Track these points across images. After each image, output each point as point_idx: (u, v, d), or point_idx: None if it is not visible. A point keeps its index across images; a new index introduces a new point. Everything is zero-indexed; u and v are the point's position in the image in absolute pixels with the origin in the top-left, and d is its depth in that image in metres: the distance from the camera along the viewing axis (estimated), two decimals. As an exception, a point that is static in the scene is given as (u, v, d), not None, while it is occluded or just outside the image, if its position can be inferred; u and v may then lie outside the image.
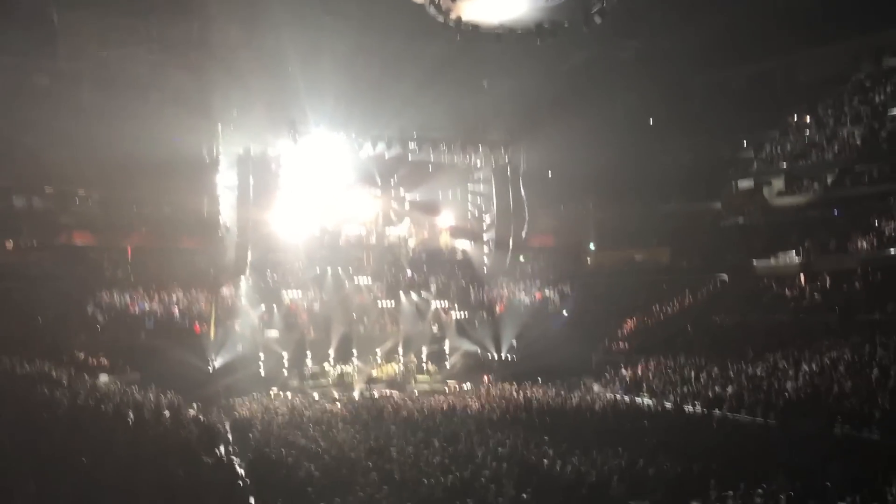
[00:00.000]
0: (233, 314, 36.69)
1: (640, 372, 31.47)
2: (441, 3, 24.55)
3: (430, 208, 42.54)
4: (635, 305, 39.21)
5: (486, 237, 42.01)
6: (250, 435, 21.92)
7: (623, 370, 32.36)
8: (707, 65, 42.96)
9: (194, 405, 26.40)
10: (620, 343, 36.71)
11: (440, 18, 27.02)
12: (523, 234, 40.54)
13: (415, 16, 29.13)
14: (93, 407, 20.36)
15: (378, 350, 37.48)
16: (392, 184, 41.56)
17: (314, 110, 36.68)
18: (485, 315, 40.70)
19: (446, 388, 34.82)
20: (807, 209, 37.39)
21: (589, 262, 45.00)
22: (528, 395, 29.08)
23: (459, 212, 43.95)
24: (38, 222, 36.89)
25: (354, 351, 36.77)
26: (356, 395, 33.59)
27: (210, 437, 21.04)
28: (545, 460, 16.75)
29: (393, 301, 39.45)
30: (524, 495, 13.90)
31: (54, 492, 11.40)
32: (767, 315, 33.60)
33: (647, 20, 39.26)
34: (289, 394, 32.98)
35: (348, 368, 36.26)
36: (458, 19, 27.07)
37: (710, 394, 26.07)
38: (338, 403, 29.91)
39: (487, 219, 41.87)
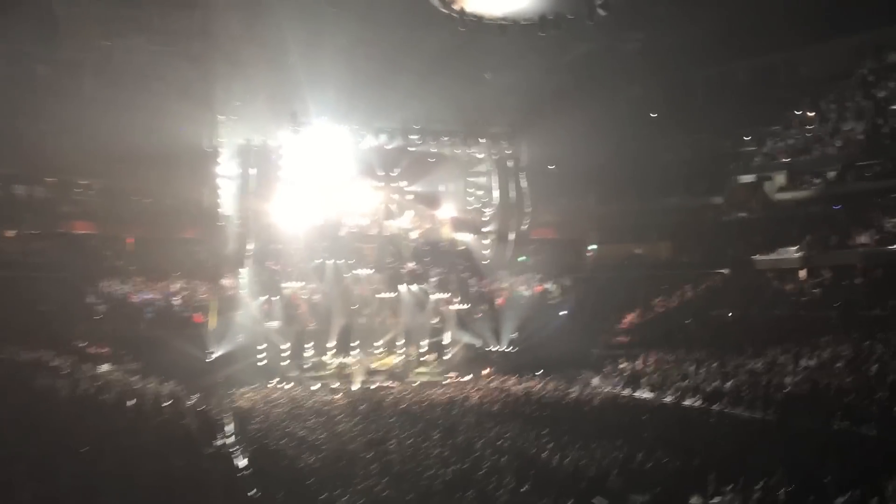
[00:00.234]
0: (233, 305, 36.70)
1: (639, 366, 31.51)
2: (444, -6, 24.49)
3: (431, 200, 42.49)
4: (635, 299, 39.20)
5: (486, 230, 41.95)
6: (250, 426, 21.98)
7: (623, 364, 32.40)
8: (710, 59, 42.75)
9: (194, 395, 26.40)
10: (620, 337, 36.74)
11: (444, 9, 27.01)
12: (524, 227, 40.50)
13: (418, 6, 29.11)
14: (93, 396, 20.43)
15: (378, 342, 37.54)
16: (393, 175, 41.45)
17: (315, 101, 36.58)
18: (485, 307, 40.74)
19: (446, 381, 34.84)
20: (808, 204, 37.30)
21: (589, 256, 44.96)
22: (528, 388, 29.12)
23: (460, 204, 43.91)
24: (39, 211, 36.82)
25: (354, 342, 36.81)
26: (356, 386, 33.66)
27: (210, 428, 21.12)
28: (544, 453, 16.81)
29: (393, 293, 39.49)
30: (523, 488, 13.94)
31: (55, 481, 11.44)
32: (768, 310, 33.60)
33: (650, 13, 39.06)
34: (289, 385, 33.03)
35: (348, 360, 36.30)
36: (462, 10, 27.07)
37: (710, 388, 26.09)
38: (338, 395, 29.99)
39: (488, 211, 41.80)
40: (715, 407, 24.30)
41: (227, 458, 17.85)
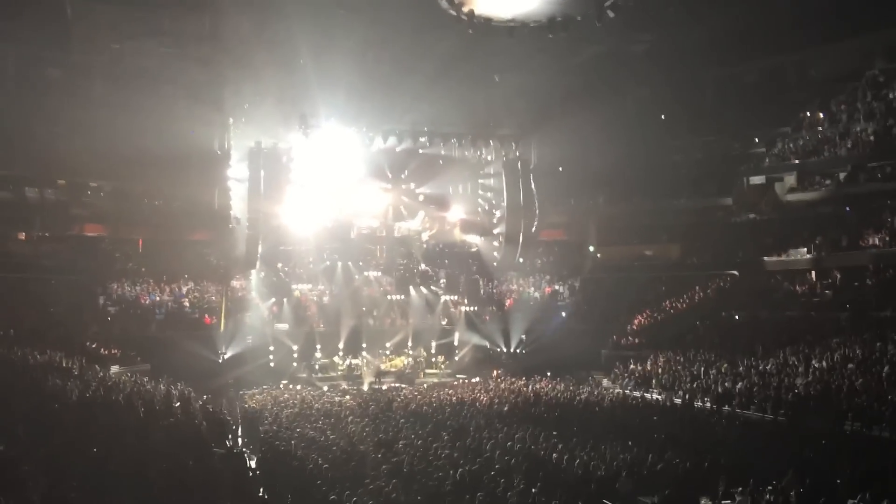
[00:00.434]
0: (243, 306, 36.85)
1: (649, 367, 31.45)
2: (453, -4, 24.52)
3: (440, 202, 42.49)
4: (645, 301, 39.17)
5: (496, 231, 41.93)
6: (260, 427, 22.02)
7: (632, 365, 32.34)
8: (719, 60, 42.67)
9: (204, 396, 26.50)
10: (630, 338, 36.68)
11: (452, 12, 27.01)
12: (533, 229, 40.46)
13: (427, 9, 29.11)
14: (104, 397, 20.51)
15: (387, 343, 37.59)
16: (402, 177, 41.47)
17: (325, 103, 36.72)
18: (494, 309, 40.74)
19: (455, 382, 34.83)
20: (818, 206, 37.13)
21: (599, 258, 44.91)
22: (538, 389, 29.09)
23: (470, 206, 43.90)
24: (51, 213, 37.03)
25: (364, 344, 36.87)
26: (365, 387, 33.70)
27: (220, 429, 21.18)
28: (554, 455, 16.77)
29: (403, 294, 39.53)
30: (533, 489, 13.92)
31: (66, 481, 11.50)
32: (778, 312, 33.51)
33: (659, 14, 39.01)
34: (298, 386, 33.11)
35: (357, 361, 36.35)
36: (471, 13, 27.06)
37: (720, 390, 26.02)
38: (347, 396, 30.01)
39: (498, 213, 41.79)
40: (725, 408, 24.22)
41: (237, 459, 17.90)
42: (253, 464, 18.29)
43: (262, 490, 15.37)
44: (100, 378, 24.32)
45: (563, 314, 38.35)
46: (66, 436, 14.49)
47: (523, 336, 38.10)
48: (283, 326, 36.35)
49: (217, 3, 35.55)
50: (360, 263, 40.00)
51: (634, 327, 37.59)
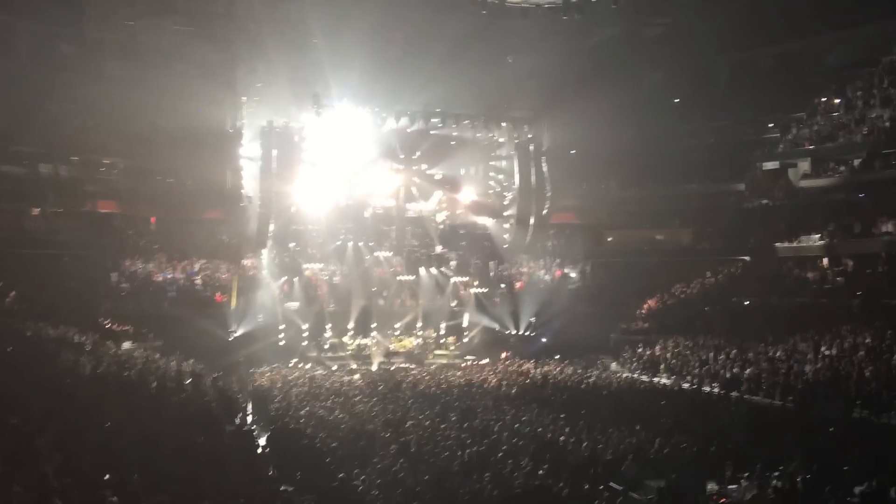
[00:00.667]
0: (254, 285, 37.01)
1: (658, 352, 31.43)
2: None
3: (451, 183, 42.40)
4: (655, 285, 39.09)
5: (507, 214, 41.87)
6: (270, 405, 22.21)
7: (641, 349, 32.34)
8: (734, 44, 42.34)
9: (215, 374, 26.70)
10: (639, 322, 36.67)
11: (466, -8, 26.92)
12: (545, 212, 40.38)
13: (441, -10, 29.05)
14: (116, 373, 20.70)
15: (397, 324, 37.72)
16: (414, 158, 41.39)
17: (338, 83, 36.67)
18: (504, 291, 40.77)
19: (464, 364, 34.95)
20: (832, 192, 36.85)
21: (610, 241, 44.84)
22: (546, 371, 29.17)
23: (481, 188, 43.80)
24: (64, 190, 37.26)
25: (374, 324, 37.03)
26: (374, 367, 33.87)
27: (230, 406, 21.38)
28: (561, 437, 16.88)
29: (413, 275, 39.60)
30: (540, 471, 14.02)
31: (78, 455, 11.65)
32: (788, 298, 33.35)
33: (674, -2, 38.85)
34: (308, 365, 33.28)
35: (367, 341, 36.51)
36: (485, -6, 26.98)
37: (729, 375, 26.01)
38: (356, 375, 30.18)
39: (509, 195, 41.71)
40: (733, 394, 24.21)
41: (247, 436, 18.08)
42: (262, 441, 18.46)
43: (271, 467, 15.53)
44: (112, 354, 24.53)
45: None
46: (79, 410, 14.66)
47: (532, 319, 38.12)
48: (294, 305, 36.48)
49: (231, -18, 35.61)
50: (371, 244, 40.00)
51: (644, 311, 37.55)
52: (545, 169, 40.13)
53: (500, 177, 43.13)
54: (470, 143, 42.02)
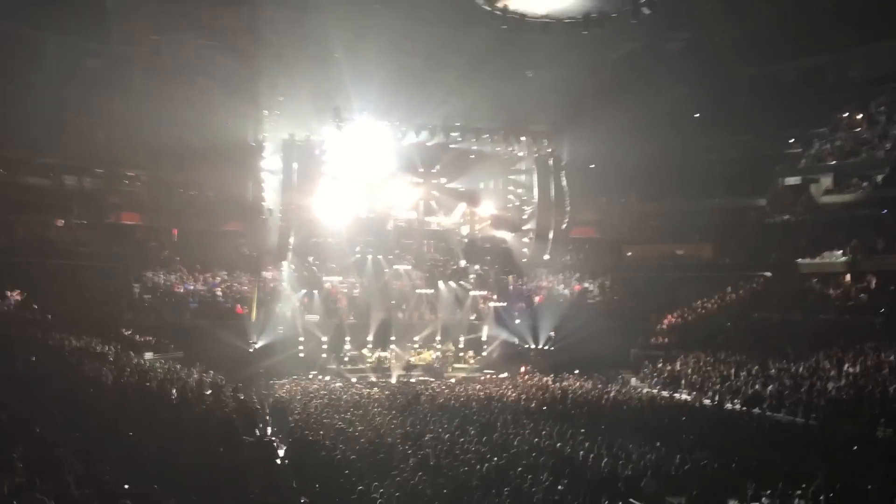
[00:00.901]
0: (274, 297, 37.23)
1: (678, 367, 31.18)
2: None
3: (471, 197, 42.45)
4: (676, 300, 38.82)
5: (526, 228, 41.83)
6: (289, 416, 22.26)
7: (662, 365, 32.12)
8: (755, 59, 42.10)
9: (235, 385, 26.82)
10: (660, 338, 36.40)
11: (487, 7, 27.02)
12: (564, 226, 40.31)
13: (462, 4, 29.22)
14: (138, 383, 20.87)
15: (416, 337, 37.75)
16: (433, 172, 41.48)
17: (358, 97, 36.91)
18: (523, 305, 40.68)
19: (483, 377, 34.89)
20: (855, 208, 36.49)
21: (630, 256, 44.64)
22: (566, 386, 29.04)
23: (500, 202, 43.82)
24: (88, 202, 37.71)
25: (393, 337, 37.08)
26: (394, 380, 33.89)
27: (250, 417, 21.45)
28: (581, 452, 16.76)
29: (432, 289, 39.63)
30: (559, 486, 13.95)
31: (100, 465, 11.74)
32: (811, 314, 33.01)
33: (695, 12, 38.66)
34: (327, 377, 33.38)
35: (386, 354, 36.57)
36: (505, 8, 27.06)
37: (751, 391, 25.76)
38: (375, 388, 30.21)
39: (528, 209, 41.69)
40: (755, 410, 23.98)
41: (267, 448, 18.13)
42: (282, 453, 18.51)
43: (290, 479, 15.55)
44: (134, 364, 24.75)
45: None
46: (101, 420, 14.78)
47: (552, 333, 38.01)
48: (314, 318, 36.64)
49: (254, -3, 36.03)
50: (390, 257, 40.05)
51: (664, 327, 37.29)
52: (564, 183, 40.11)
53: (520, 191, 43.16)
54: (489, 156, 42.07)
